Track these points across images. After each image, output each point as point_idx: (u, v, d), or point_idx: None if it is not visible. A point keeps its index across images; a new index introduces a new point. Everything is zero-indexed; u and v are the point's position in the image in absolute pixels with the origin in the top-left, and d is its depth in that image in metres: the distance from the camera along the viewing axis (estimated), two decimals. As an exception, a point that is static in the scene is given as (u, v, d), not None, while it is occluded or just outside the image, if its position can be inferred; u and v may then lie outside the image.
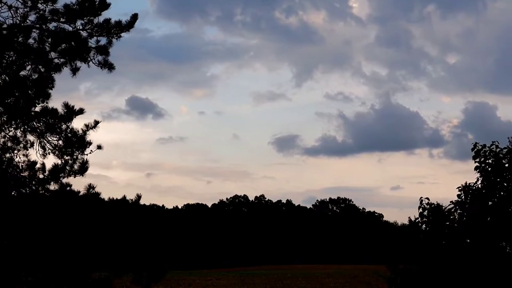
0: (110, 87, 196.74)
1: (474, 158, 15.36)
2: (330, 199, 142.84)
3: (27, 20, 14.81)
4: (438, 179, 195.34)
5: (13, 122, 15.16)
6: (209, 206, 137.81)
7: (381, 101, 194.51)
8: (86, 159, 15.17)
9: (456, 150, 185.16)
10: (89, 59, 15.18)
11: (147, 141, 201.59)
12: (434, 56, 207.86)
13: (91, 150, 15.24)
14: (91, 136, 15.30)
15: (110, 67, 15.38)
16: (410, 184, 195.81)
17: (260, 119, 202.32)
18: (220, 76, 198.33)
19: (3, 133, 15.13)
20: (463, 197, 15.36)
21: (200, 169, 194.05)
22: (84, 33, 15.07)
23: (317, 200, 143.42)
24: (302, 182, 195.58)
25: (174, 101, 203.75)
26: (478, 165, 15.31)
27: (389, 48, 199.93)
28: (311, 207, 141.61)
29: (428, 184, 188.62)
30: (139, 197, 15.42)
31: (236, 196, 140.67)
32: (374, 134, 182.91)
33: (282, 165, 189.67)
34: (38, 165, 15.09)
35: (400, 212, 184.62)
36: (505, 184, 14.96)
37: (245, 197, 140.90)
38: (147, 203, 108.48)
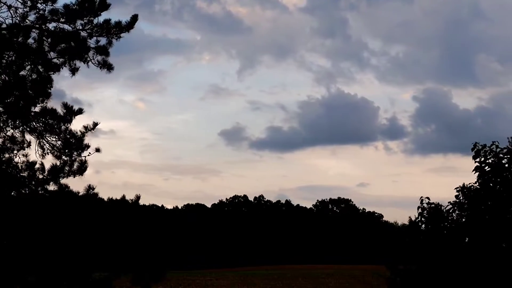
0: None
1: (474, 158, 15.37)
2: (330, 199, 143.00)
3: (27, 20, 14.79)
4: (402, 174, 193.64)
5: (12, 122, 15.14)
6: (209, 206, 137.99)
7: (329, 92, 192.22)
8: (85, 159, 15.19)
9: (416, 142, 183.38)
10: (88, 59, 15.17)
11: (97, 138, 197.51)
12: (377, 46, 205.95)
13: (90, 153, 15.25)
14: (89, 138, 15.33)
15: (109, 67, 15.37)
16: (376, 180, 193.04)
17: (206, 113, 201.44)
18: (161, 70, 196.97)
19: (2, 133, 15.12)
20: (461, 198, 15.38)
21: (164, 167, 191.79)
22: (83, 33, 15.05)
23: (317, 200, 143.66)
24: (273, 180, 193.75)
25: (121, 97, 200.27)
26: (478, 165, 15.32)
27: (327, 38, 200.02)
28: (311, 207, 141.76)
29: (395, 181, 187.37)
30: (138, 197, 15.44)
31: (235, 196, 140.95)
32: (326, 127, 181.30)
33: (248, 162, 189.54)
34: (37, 165, 15.09)
35: (381, 211, 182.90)
36: (505, 183, 14.97)
37: (244, 197, 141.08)
38: (146, 203, 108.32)
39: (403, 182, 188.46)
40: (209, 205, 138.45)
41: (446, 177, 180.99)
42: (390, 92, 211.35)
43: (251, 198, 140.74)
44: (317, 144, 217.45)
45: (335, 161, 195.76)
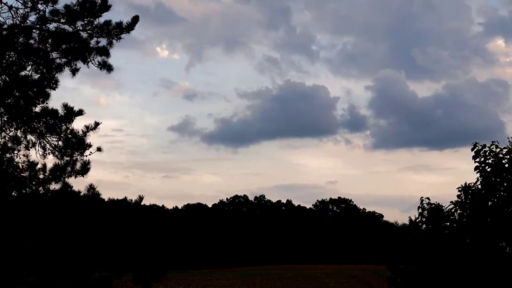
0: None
1: (474, 158, 15.38)
2: (330, 199, 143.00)
3: (27, 21, 14.82)
4: (375, 171, 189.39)
5: (13, 123, 15.16)
6: (209, 206, 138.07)
7: (282, 86, 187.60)
8: (88, 159, 15.21)
9: (378, 135, 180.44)
10: (89, 60, 15.19)
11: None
12: (326, 38, 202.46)
13: (91, 152, 15.27)
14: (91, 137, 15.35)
15: (109, 68, 15.39)
16: (346, 178, 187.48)
17: (158, 108, 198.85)
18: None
19: (3, 134, 15.15)
20: (463, 197, 15.40)
21: (132, 164, 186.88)
22: (84, 34, 15.07)
23: (317, 200, 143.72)
24: (248, 179, 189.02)
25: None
26: (478, 165, 15.34)
27: (271, 30, 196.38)
28: (311, 207, 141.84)
29: (369, 177, 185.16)
30: (141, 198, 15.46)
31: (236, 196, 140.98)
32: (282, 119, 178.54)
33: (216, 160, 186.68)
34: (39, 166, 15.13)
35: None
36: (505, 184, 14.98)
37: (245, 197, 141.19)
38: (146, 203, 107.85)
39: (376, 179, 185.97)
40: (209, 205, 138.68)
41: (423, 175, 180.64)
42: (345, 84, 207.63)
43: (251, 198, 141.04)
44: (275, 138, 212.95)
45: (299, 156, 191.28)
